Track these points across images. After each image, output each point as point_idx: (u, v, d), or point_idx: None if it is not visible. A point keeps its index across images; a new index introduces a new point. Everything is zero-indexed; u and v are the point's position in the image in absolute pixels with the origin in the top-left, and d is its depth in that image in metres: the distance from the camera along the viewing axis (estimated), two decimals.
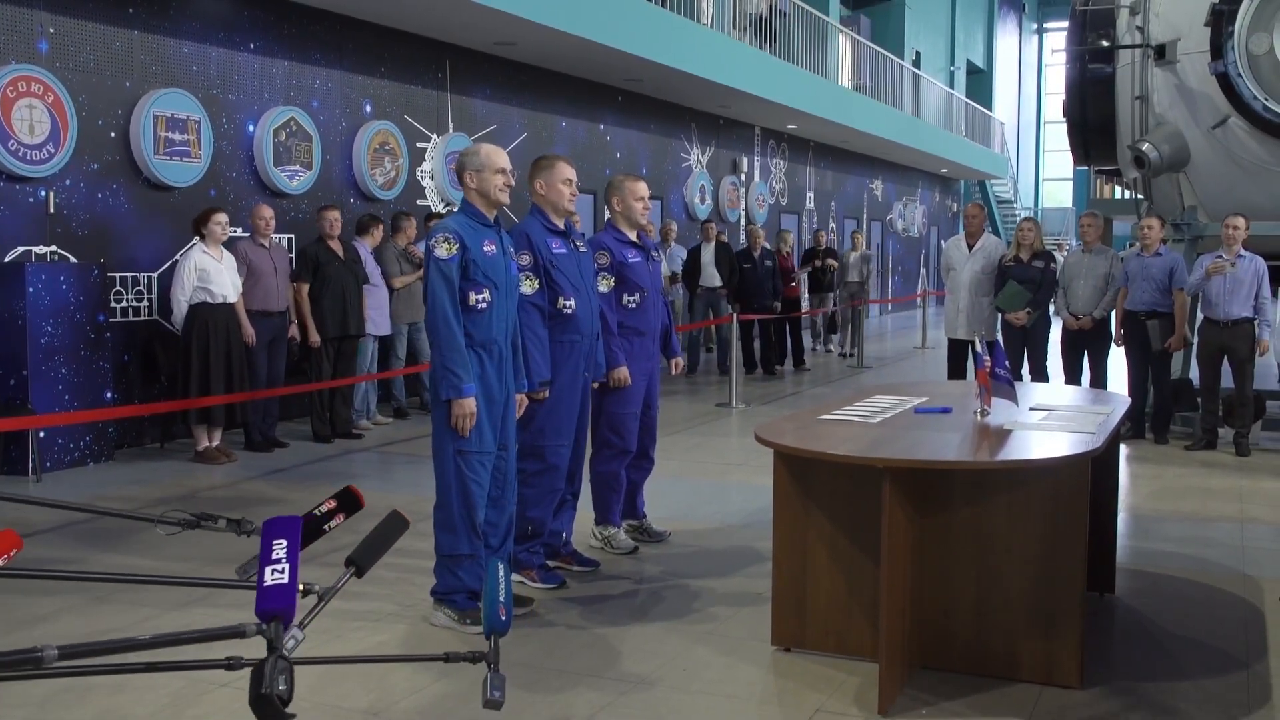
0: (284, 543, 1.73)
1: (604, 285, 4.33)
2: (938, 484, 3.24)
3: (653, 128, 13.32)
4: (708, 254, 11.39)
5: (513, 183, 3.57)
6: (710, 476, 6.37)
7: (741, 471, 6.49)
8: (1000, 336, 7.64)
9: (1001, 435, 3.32)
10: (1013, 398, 3.68)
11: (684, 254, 11.76)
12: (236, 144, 8.27)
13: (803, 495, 3.40)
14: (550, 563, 4.21)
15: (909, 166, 22.75)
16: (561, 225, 4.04)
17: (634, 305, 4.42)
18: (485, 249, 3.42)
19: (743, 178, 15.43)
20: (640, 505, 4.79)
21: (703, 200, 14.53)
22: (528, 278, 3.88)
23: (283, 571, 1.69)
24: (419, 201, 9.93)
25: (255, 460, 7.03)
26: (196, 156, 7.89)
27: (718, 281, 11.16)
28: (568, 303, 3.95)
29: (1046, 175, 34.89)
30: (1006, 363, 3.66)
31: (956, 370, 7.81)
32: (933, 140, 20.86)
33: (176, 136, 7.75)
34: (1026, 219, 7.75)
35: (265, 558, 1.72)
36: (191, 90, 7.91)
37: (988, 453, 3.07)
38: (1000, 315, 7.64)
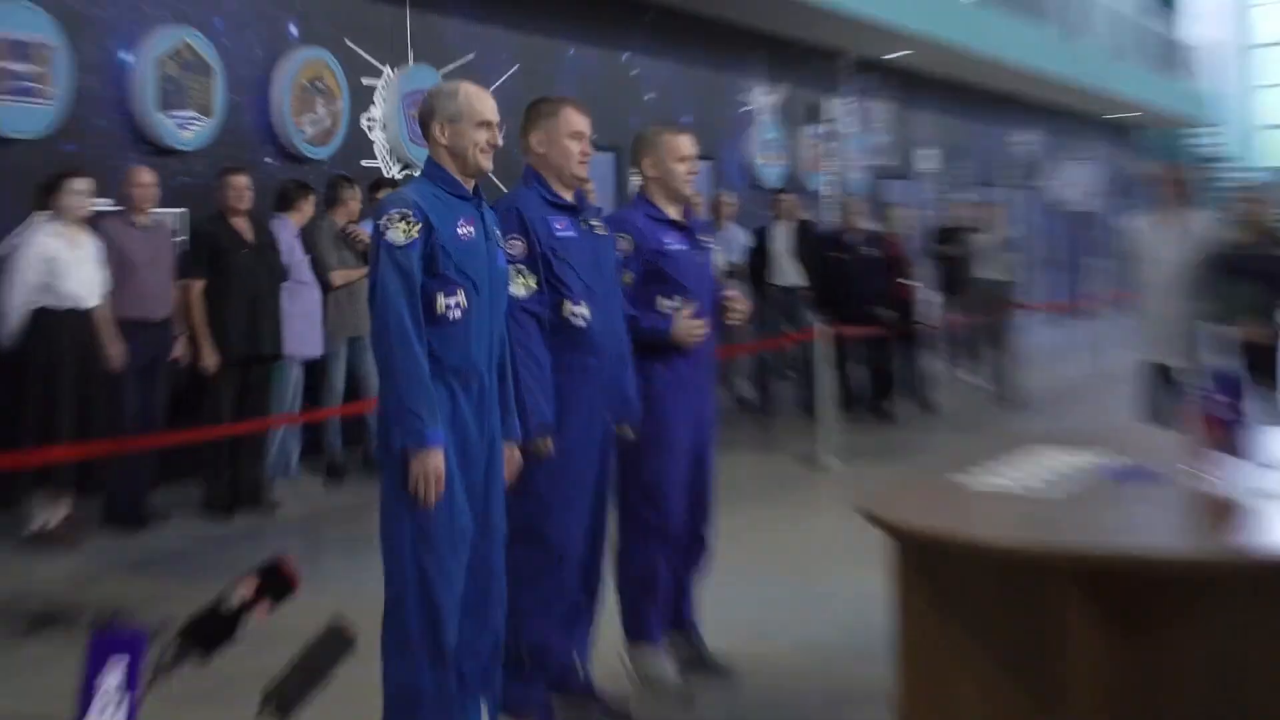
0: (120, 670, 1.66)
1: (625, 281, 4.42)
2: (1152, 589, 3.19)
3: (699, 58, 13.31)
4: (781, 238, 11.36)
5: (500, 140, 3.62)
6: (792, 572, 6.42)
7: (840, 565, 6.47)
8: (1226, 359, 7.56)
9: (1243, 511, 3.29)
10: (1248, 453, 3.60)
11: (746, 238, 11.75)
12: (105, 80, 8.30)
13: (937, 605, 3.36)
14: (558, 702, 4.22)
15: (1069, 110, 22.70)
16: (570, 198, 4.12)
17: (673, 306, 4.50)
18: (460, 232, 3.48)
19: (828, 128, 15.32)
20: (689, 612, 4.81)
21: (772, 161, 14.53)
22: (520, 273, 3.93)
23: None
24: (365, 163, 10.00)
25: (118, 544, 6.97)
26: (47, 97, 7.90)
27: (797, 279, 11.16)
28: (578, 309, 4.00)
29: (1268, 120, 34.33)
30: (1238, 398, 3.60)
31: (1158, 410, 7.84)
32: (1102, 72, 20.77)
33: (19, 68, 7.76)
34: (1249, 188, 7.60)
35: (86, 698, 1.65)
36: (42, 2, 7.90)
37: (1228, 539, 3.04)
38: (1223, 328, 7.66)
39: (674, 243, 4.51)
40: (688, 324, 4.36)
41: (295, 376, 8.37)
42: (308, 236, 8.55)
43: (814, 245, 11.39)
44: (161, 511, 7.56)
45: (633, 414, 4.25)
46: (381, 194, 9.00)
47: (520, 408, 3.78)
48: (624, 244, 4.42)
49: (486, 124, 3.54)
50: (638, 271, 4.42)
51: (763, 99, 14.77)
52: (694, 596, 4.82)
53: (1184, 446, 3.81)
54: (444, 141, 3.55)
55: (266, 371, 8.02)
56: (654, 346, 4.43)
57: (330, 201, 8.80)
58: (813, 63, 15.45)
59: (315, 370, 8.61)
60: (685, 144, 4.55)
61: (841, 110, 15.66)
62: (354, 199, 8.84)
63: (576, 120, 4.09)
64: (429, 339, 3.41)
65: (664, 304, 4.47)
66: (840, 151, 15.60)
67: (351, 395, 8.66)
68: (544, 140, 4.08)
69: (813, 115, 15.22)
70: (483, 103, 3.57)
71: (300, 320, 8.32)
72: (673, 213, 4.55)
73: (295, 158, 9.66)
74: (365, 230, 8.64)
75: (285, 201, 8.56)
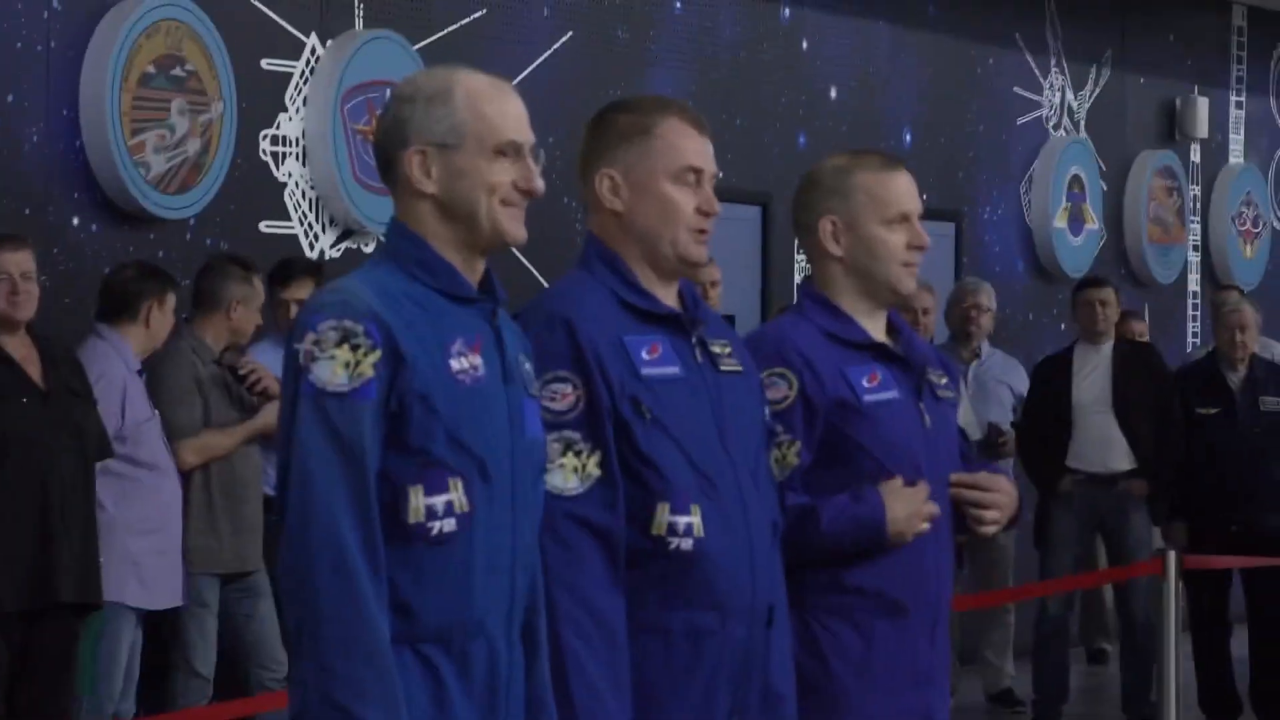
0: None
1: (779, 464, 3.63)
2: None
3: (929, 13, 10.59)
4: (1093, 375, 9.06)
5: (539, 182, 2.88)
6: None
7: None
8: None
9: None
10: None
11: (1019, 378, 9.46)
12: None
13: None
14: None
15: None
16: (671, 299, 3.41)
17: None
18: (456, 366, 2.85)
19: (1198, 152, 12.89)
20: None
21: (1077, 219, 11.72)
22: (571, 449, 3.26)
23: None
24: (266, 226, 7.67)
25: None
26: None
27: (1123, 459, 8.85)
28: (684, 521, 3.32)
29: None
30: None
31: None
32: None
33: None
34: None
35: None
36: None
37: None
38: None
39: (879, 386, 3.72)
40: (909, 498, 3.60)
41: (130, 641, 6.21)
42: (155, 372, 6.27)
43: (1162, 392, 8.94)
44: None
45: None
46: (300, 290, 6.81)
47: (565, 708, 3.14)
48: (779, 390, 3.65)
49: (514, 150, 2.86)
50: (808, 441, 3.67)
51: (1056, 93, 11.49)
52: None
53: None
54: (430, 188, 2.87)
55: (68, 633, 5.94)
56: (836, 583, 3.67)
57: (206, 305, 6.39)
58: (1164, 24, 12.28)
59: (164, 630, 6.43)
60: (900, 189, 3.71)
61: (1225, 116, 12.87)
62: (244, 299, 6.52)
63: (688, 144, 3.35)
64: (391, 573, 2.81)
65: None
66: (1214, 198, 12.43)
67: (238, 679, 6.50)
68: (623, 185, 3.34)
69: (1169, 130, 12.48)
70: (502, 109, 2.89)
71: (143, 539, 6.10)
72: (874, 327, 3.72)
73: (130, 216, 6.95)
74: (265, 357, 6.51)
75: (114, 303, 6.37)
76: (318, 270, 6.90)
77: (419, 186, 2.86)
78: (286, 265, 6.85)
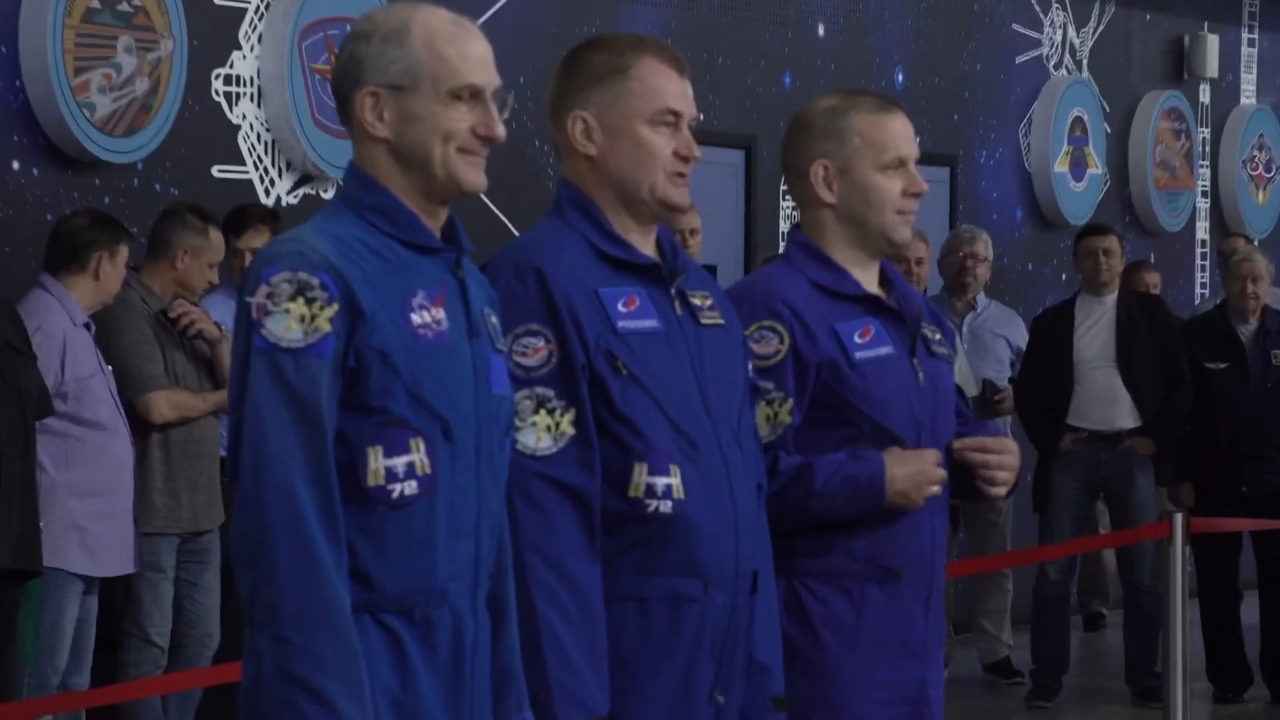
0: None
1: (770, 422, 3.60)
2: None
3: None
4: (1095, 328, 8.92)
5: (501, 129, 2.82)
6: None
7: None
8: None
9: None
10: None
11: (1018, 331, 9.41)
12: None
13: None
14: None
15: None
16: (649, 248, 3.35)
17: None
18: (417, 320, 2.82)
19: (1207, 93, 12.60)
20: None
21: (1079, 163, 11.75)
22: (543, 406, 3.21)
23: None
24: (219, 170, 7.62)
25: None
26: None
27: (1128, 416, 8.72)
28: (663, 482, 3.25)
29: None
30: None
31: None
32: None
33: None
34: None
35: None
36: None
37: None
38: None
39: (871, 341, 3.68)
40: (915, 461, 3.59)
41: (75, 609, 6.08)
42: (106, 326, 6.12)
43: (1169, 346, 8.80)
44: None
45: (772, 693, 3.47)
46: (255, 239, 6.72)
47: (537, 682, 3.11)
48: (769, 344, 3.63)
49: (472, 94, 2.81)
50: (799, 399, 3.63)
51: (1057, 30, 11.45)
52: None
53: None
54: (383, 132, 2.84)
55: (8, 601, 5.82)
56: (826, 548, 3.63)
57: (155, 252, 6.29)
58: None
59: (116, 598, 6.34)
60: (896, 132, 3.67)
61: (1235, 55, 12.80)
62: (193, 249, 6.41)
63: (666, 85, 3.29)
64: (350, 538, 2.74)
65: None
66: (1223, 144, 12.38)
67: (181, 648, 6.35)
68: (597, 128, 3.30)
69: (1179, 70, 12.42)
70: (462, 50, 2.83)
71: (88, 502, 5.97)
72: (866, 278, 3.68)
73: (75, 160, 6.85)
74: (211, 316, 6.43)
75: (62, 252, 6.09)
76: (274, 218, 6.82)
77: (371, 130, 2.83)
78: (240, 212, 6.77)
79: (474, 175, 2.84)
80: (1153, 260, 11.27)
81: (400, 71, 2.82)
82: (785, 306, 3.60)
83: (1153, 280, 9.82)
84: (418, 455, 2.80)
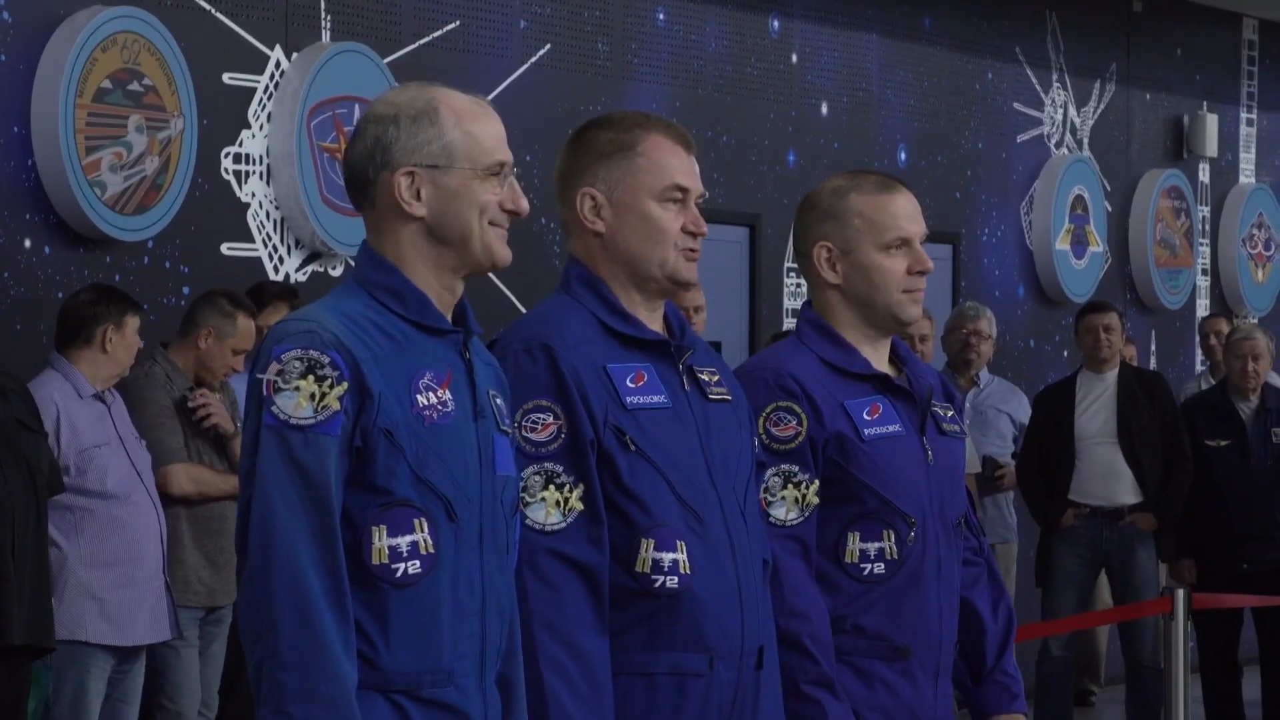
0: None
1: (798, 505, 3.61)
2: None
3: (921, 28, 10.50)
4: (1097, 404, 8.98)
5: (523, 204, 2.89)
6: None
7: None
8: None
9: None
10: None
11: (1021, 407, 9.42)
12: None
13: None
14: None
15: None
16: (656, 324, 3.38)
17: (878, 571, 3.68)
18: (423, 401, 2.83)
19: (1207, 171, 12.76)
20: None
21: (1080, 241, 11.69)
22: (552, 483, 3.20)
23: None
24: (228, 249, 7.55)
25: None
26: None
27: (1129, 492, 8.75)
28: (671, 558, 3.26)
29: None
30: None
31: None
32: None
33: None
34: None
35: None
36: None
37: None
38: None
39: (880, 419, 3.67)
40: None
41: (98, 687, 6.01)
42: (128, 399, 6.17)
43: (1169, 422, 8.85)
44: None
45: None
46: (273, 315, 6.74)
47: None
48: (788, 426, 3.65)
49: (497, 170, 2.85)
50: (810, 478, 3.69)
51: (1058, 109, 11.59)
52: None
53: None
54: (420, 210, 2.86)
55: (19, 677, 5.76)
56: (836, 625, 3.62)
57: (183, 330, 6.37)
58: (1169, 34, 12.27)
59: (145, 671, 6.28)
60: (898, 212, 3.66)
61: (1234, 134, 12.81)
62: (217, 331, 6.38)
63: (673, 162, 3.31)
64: (356, 617, 2.77)
65: (860, 548, 3.69)
66: (1222, 221, 12.36)
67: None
68: (605, 205, 3.31)
69: (1178, 147, 12.41)
70: (487, 128, 2.88)
71: (105, 572, 5.91)
72: (876, 356, 3.68)
73: (86, 238, 6.83)
74: (215, 400, 6.38)
75: (68, 329, 6.08)
76: (293, 295, 6.83)
77: (407, 209, 2.84)
78: (259, 290, 6.80)
79: (504, 249, 2.89)
80: (1153, 338, 11.48)
81: (437, 151, 2.85)
82: (795, 384, 3.62)
83: (1129, 353, 9.74)
84: (421, 535, 2.84)
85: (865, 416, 3.63)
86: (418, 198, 2.84)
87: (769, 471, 3.59)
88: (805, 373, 3.62)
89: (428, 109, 2.87)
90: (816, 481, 3.61)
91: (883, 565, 3.60)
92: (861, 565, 3.60)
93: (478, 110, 2.90)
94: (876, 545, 3.62)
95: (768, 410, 3.57)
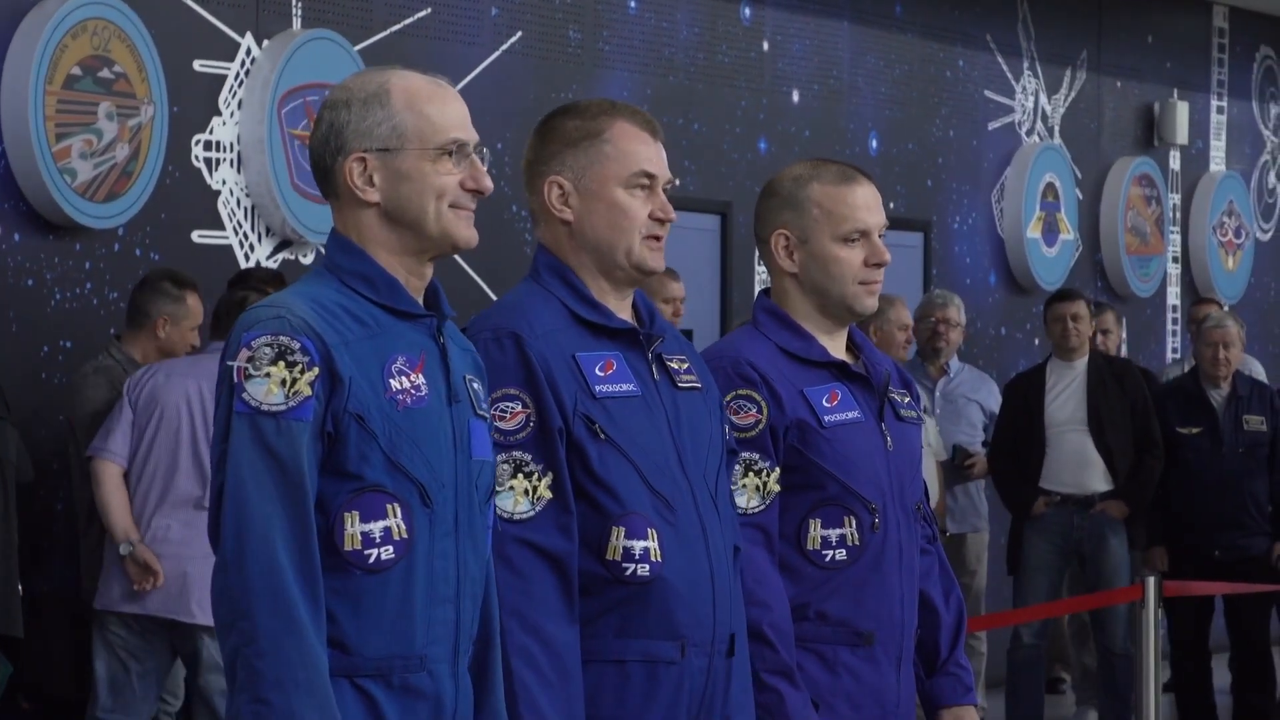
0: None
1: (759, 492, 3.63)
2: None
3: (896, 13, 10.50)
4: (1066, 392, 9.02)
5: (486, 183, 2.87)
6: None
7: None
8: None
9: None
10: None
11: (991, 395, 9.46)
12: None
13: None
14: None
15: None
16: (625, 312, 3.39)
17: (840, 557, 3.71)
18: (396, 385, 2.83)
19: (1178, 159, 12.76)
20: None
21: (1051, 229, 11.75)
22: (521, 471, 3.25)
23: None
24: (199, 236, 7.58)
25: None
26: None
27: (1099, 480, 8.81)
28: (642, 545, 3.30)
29: None
30: None
31: None
32: None
33: None
34: None
35: None
36: None
37: None
38: None
39: (839, 406, 3.69)
40: None
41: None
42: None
43: (1139, 410, 8.89)
44: None
45: None
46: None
47: None
48: (748, 414, 3.65)
49: (457, 150, 2.83)
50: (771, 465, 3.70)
51: (1029, 96, 11.63)
52: None
53: None
54: (373, 196, 2.85)
55: None
56: (800, 612, 3.64)
57: (134, 321, 6.32)
58: (1142, 25, 12.31)
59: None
60: (856, 203, 3.67)
61: (1205, 120, 12.87)
62: (172, 316, 6.42)
63: (639, 149, 3.32)
64: (327, 603, 2.77)
65: (821, 534, 3.69)
66: (1194, 209, 12.40)
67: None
68: (572, 193, 3.32)
69: (1149, 136, 12.44)
70: (442, 108, 2.87)
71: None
72: (833, 344, 3.69)
73: (56, 226, 6.83)
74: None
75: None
76: (279, 280, 6.74)
77: (361, 195, 2.82)
78: (245, 276, 6.80)
79: (467, 230, 2.88)
80: (1124, 325, 11.23)
81: (386, 134, 2.84)
82: (754, 371, 3.64)
83: (1113, 341, 9.88)
84: (394, 520, 2.83)
85: (825, 404, 3.65)
86: (370, 183, 2.84)
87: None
88: (764, 360, 3.64)
89: (379, 92, 2.85)
90: (778, 469, 3.65)
91: (844, 551, 3.62)
92: (824, 552, 3.62)
93: (434, 90, 2.88)
94: (838, 531, 3.63)
95: (727, 399, 3.58)
